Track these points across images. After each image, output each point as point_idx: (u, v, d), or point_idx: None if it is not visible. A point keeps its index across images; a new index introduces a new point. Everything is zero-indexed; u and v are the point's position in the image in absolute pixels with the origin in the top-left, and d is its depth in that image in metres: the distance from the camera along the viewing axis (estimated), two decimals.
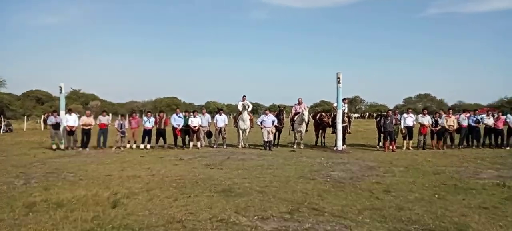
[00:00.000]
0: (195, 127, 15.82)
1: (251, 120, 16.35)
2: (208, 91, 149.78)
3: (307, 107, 16.65)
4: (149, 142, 15.61)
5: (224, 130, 16.29)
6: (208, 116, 16.96)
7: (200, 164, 10.98)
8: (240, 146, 15.88)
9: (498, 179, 8.45)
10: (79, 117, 17.05)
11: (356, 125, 36.30)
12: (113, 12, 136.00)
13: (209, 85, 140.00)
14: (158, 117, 16.25)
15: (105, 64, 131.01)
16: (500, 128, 15.90)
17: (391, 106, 73.15)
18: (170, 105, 71.98)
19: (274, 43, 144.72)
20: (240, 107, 16.73)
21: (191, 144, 15.83)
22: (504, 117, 16.34)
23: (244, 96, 16.86)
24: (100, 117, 16.22)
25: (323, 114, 17.20)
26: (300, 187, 7.51)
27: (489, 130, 16.04)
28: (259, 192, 7.10)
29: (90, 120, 15.88)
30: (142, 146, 15.42)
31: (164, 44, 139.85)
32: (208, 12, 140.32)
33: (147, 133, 15.69)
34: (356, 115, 76.94)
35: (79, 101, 73.22)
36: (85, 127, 15.40)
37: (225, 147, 15.79)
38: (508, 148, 15.26)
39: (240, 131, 16.08)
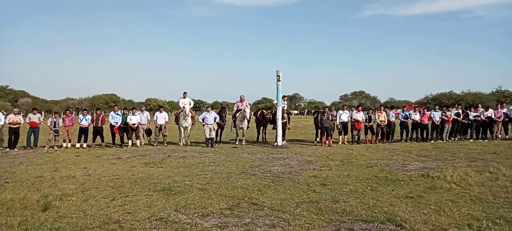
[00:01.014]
0: (134, 124, 15.36)
1: (192, 117, 16.20)
2: (149, 88, 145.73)
3: (249, 104, 16.82)
4: (85, 141, 14.91)
5: (165, 127, 15.98)
6: (147, 113, 16.53)
7: (139, 162, 10.71)
8: (181, 144, 15.68)
9: (423, 170, 9.13)
10: (6, 115, 15.81)
11: (295, 121, 37.37)
12: (48, 2, 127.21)
13: (150, 82, 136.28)
14: (95, 115, 15.57)
15: (37, 59, 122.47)
16: (425, 122, 17.20)
17: (328, 103, 76.04)
18: (108, 103, 69.15)
19: (216, 40, 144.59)
20: (181, 105, 16.52)
21: (130, 142, 15.36)
22: (429, 112, 17.69)
23: (185, 93, 16.68)
24: (30, 115, 15.18)
25: (265, 111, 17.49)
26: (241, 183, 7.61)
27: (415, 125, 17.28)
28: (200, 189, 7.10)
29: (19, 118, 14.78)
30: (78, 145, 14.71)
31: (102, 39, 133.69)
32: (147, 7, 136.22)
33: (83, 131, 14.97)
34: (295, 112, 79.14)
35: (7, 98, 67.99)
36: (13, 126, 14.32)
37: (165, 145, 15.50)
38: (432, 141, 16.55)
39: (181, 129, 15.86)
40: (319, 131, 16.11)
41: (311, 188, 7.19)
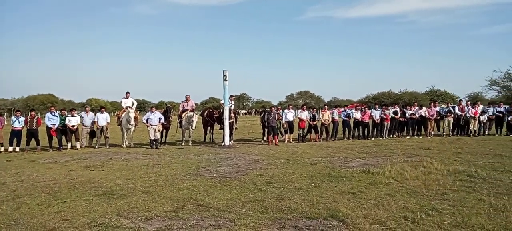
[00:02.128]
0: (73, 126, 14.58)
1: (136, 118, 15.68)
2: (90, 88, 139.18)
3: (194, 106, 16.57)
4: (18, 144, 13.90)
5: (107, 129, 15.31)
6: (91, 114, 15.73)
7: (79, 166, 10.18)
8: (124, 146, 15.12)
9: (364, 166, 9.53)
10: None
11: (243, 120, 37.46)
12: None
13: (91, 82, 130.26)
14: (29, 116, 14.56)
15: None
16: (366, 121, 17.97)
17: (275, 103, 77.17)
18: (45, 103, 65.12)
19: (161, 38, 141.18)
20: (123, 105, 15.95)
21: (69, 145, 14.56)
22: (370, 111, 18.51)
23: (128, 93, 16.14)
24: None
25: (213, 110, 17.34)
26: (187, 184, 7.48)
27: (357, 123, 18.00)
28: (144, 192, 6.88)
29: None
30: (10, 148, 13.69)
31: (38, 35, 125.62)
32: (88, 2, 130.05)
33: (15, 134, 13.93)
34: (243, 111, 79.46)
35: None
36: None
37: (107, 147, 14.87)
38: (373, 139, 17.34)
39: (124, 130, 15.30)
40: (266, 130, 16.28)
41: (258, 187, 7.23)
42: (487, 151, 12.31)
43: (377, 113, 18.05)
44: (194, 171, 9.15)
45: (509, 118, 19.03)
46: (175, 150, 13.82)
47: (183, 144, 15.67)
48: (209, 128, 17.22)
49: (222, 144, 15.15)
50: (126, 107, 15.51)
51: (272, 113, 15.93)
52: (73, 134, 14.70)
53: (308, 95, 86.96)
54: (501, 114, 19.30)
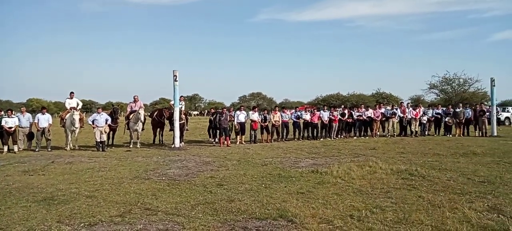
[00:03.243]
0: (10, 128, 13.65)
1: (81, 119, 14.97)
2: (31, 88, 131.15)
3: (143, 107, 16.12)
4: None
5: (48, 130, 14.47)
6: (28, 115, 14.81)
7: (16, 170, 9.54)
8: (68, 148, 14.39)
9: (313, 166, 9.73)
10: None
11: (195, 122, 37.06)
12: None
13: (32, 81, 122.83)
14: None
15: None
16: (316, 122, 18.43)
17: (228, 104, 77.08)
18: None
19: (109, 37, 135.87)
20: (67, 105, 15.19)
21: (6, 148, 13.61)
22: (319, 112, 18.98)
23: (72, 93, 15.41)
24: None
25: (165, 110, 16.94)
26: (134, 188, 7.24)
27: (307, 124, 18.40)
28: (88, 196, 6.57)
29: None
30: None
31: None
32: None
33: None
34: (195, 112, 78.58)
35: None
36: None
37: (49, 150, 14.06)
38: (321, 139, 17.79)
39: (68, 131, 14.55)
40: (218, 131, 16.19)
41: (208, 189, 7.15)
42: (426, 151, 13.03)
43: (325, 115, 18.58)
44: (142, 174, 8.88)
45: (446, 119, 20.31)
46: (123, 153, 13.35)
47: (131, 146, 15.19)
48: (159, 129, 16.83)
49: (172, 146, 14.86)
50: (70, 108, 14.78)
51: (224, 115, 15.87)
52: (10, 137, 13.77)
53: (260, 97, 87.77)
54: (439, 116, 20.56)
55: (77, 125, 14.44)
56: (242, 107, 18.46)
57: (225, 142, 15.63)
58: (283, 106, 19.72)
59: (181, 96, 15.80)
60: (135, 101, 15.99)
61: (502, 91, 69.81)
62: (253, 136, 16.85)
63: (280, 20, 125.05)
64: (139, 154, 12.94)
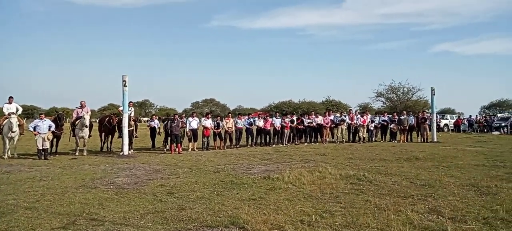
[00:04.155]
0: None
1: (20, 125, 14.04)
2: None
3: (89, 112, 15.47)
4: None
5: None
6: None
7: None
8: (5, 156, 13.42)
9: (265, 172, 9.80)
10: None
11: (145, 128, 36.03)
12: None
13: None
14: None
15: None
16: (268, 128, 18.62)
17: (180, 110, 75.90)
18: None
19: (54, 39, 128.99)
20: (5, 111, 14.21)
21: None
22: (271, 119, 19.21)
23: (11, 97, 14.45)
24: None
25: (112, 116, 16.34)
26: (79, 198, 6.89)
27: (259, 130, 18.53)
28: (27, 208, 6.16)
29: None
30: None
31: None
32: None
33: None
34: (146, 119, 76.48)
35: None
36: None
37: None
38: (274, 146, 17.99)
39: (6, 139, 13.59)
40: (169, 138, 15.87)
41: (158, 197, 6.97)
42: (373, 156, 13.57)
43: (278, 122, 18.83)
44: (88, 182, 8.49)
45: (392, 126, 21.31)
46: (68, 160, 12.69)
47: (76, 153, 14.48)
48: (107, 136, 16.20)
49: (121, 153, 14.36)
50: (9, 114, 13.83)
51: (175, 121, 15.60)
52: None
53: (213, 103, 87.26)
54: (385, 123, 21.55)
55: (15, 129, 13.46)
56: (195, 114, 18.24)
57: (177, 149, 15.36)
58: (238, 113, 19.76)
59: (130, 102, 15.35)
60: (81, 106, 15.29)
61: (441, 100, 74.37)
62: (205, 142, 16.70)
63: (234, 27, 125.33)
64: (85, 161, 12.37)
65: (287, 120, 19.11)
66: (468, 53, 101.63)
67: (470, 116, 38.30)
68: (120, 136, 15.00)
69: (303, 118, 20.22)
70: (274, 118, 19.40)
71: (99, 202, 6.56)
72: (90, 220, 5.46)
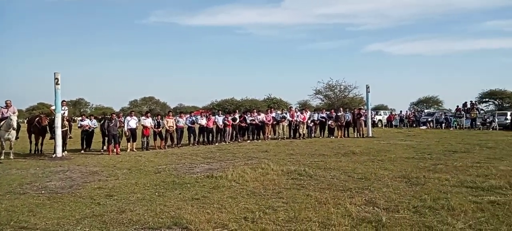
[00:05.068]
0: None
1: None
2: None
3: (16, 113, 14.35)
4: None
5: None
6: None
7: None
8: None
9: (208, 171, 9.71)
10: None
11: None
12: None
13: None
14: None
15: None
16: (211, 127, 18.51)
17: (118, 109, 72.93)
18: None
19: None
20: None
21: None
22: (214, 117, 19.11)
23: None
24: None
25: (42, 116, 15.27)
26: (6, 205, 6.36)
27: (202, 129, 18.35)
28: None
29: None
30: None
31: None
32: None
33: None
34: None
35: None
36: None
37: None
38: (216, 144, 17.91)
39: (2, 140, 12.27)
40: (106, 138, 15.21)
41: (95, 201, 6.64)
42: (313, 152, 14.01)
43: (220, 120, 18.78)
44: (17, 188, 7.87)
45: (329, 122, 22.14)
46: None
47: (2, 157, 13.36)
48: (39, 137, 15.13)
49: (53, 155, 13.50)
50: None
51: (113, 121, 14.98)
52: None
53: (153, 101, 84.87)
54: (323, 119, 22.32)
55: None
56: (133, 113, 17.62)
57: (115, 150, 14.75)
58: (181, 112, 19.41)
59: (63, 101, 14.48)
60: (7, 106, 14.13)
61: (375, 97, 78.71)
62: (145, 142, 16.21)
63: (172, 23, 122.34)
64: (12, 165, 11.45)
65: (229, 118, 19.13)
66: (398, 53, 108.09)
67: (401, 112, 40.88)
68: (53, 137, 14.10)
69: (245, 116, 20.34)
70: (216, 116, 19.34)
71: (29, 209, 6.11)
72: (18, 229, 5.08)
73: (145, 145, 16.16)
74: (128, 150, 15.49)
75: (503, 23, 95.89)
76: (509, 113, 30.21)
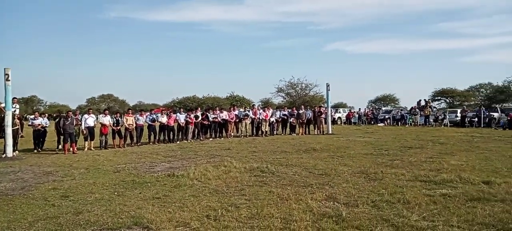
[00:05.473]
0: None
1: None
2: None
3: None
4: None
5: None
6: None
7: None
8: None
9: (169, 170, 9.55)
10: None
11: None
12: None
13: None
14: None
15: None
16: (172, 124, 18.22)
17: (74, 107, 70.20)
18: None
19: None
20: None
21: None
22: (175, 115, 18.83)
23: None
24: None
25: None
26: None
27: (162, 127, 18.03)
28: None
29: None
30: None
31: None
32: None
33: None
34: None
35: None
36: None
37: None
38: (178, 142, 17.66)
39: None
40: (62, 137, 14.60)
41: (50, 202, 6.35)
42: (275, 149, 14.13)
43: (182, 117, 18.54)
44: None
45: (291, 120, 22.43)
46: None
47: None
48: None
49: (3, 155, 12.78)
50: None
51: (69, 119, 14.40)
52: None
53: (112, 99, 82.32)
54: (285, 117, 22.57)
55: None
56: (91, 110, 17.02)
57: (71, 149, 14.19)
58: (141, 109, 18.94)
59: (14, 98, 13.75)
60: None
61: (335, 95, 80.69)
62: (103, 141, 15.71)
63: (131, 18, 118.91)
64: None
65: (191, 116, 18.91)
66: (357, 52, 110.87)
67: (359, 109, 42.08)
68: (2, 137, 13.35)
69: (208, 113, 20.19)
70: (178, 114, 19.05)
71: None
72: None
73: (103, 144, 15.67)
74: (86, 149, 14.96)
75: (455, 25, 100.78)
76: (459, 111, 31.99)
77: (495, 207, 5.50)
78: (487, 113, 29.35)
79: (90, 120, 15.51)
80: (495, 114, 29.08)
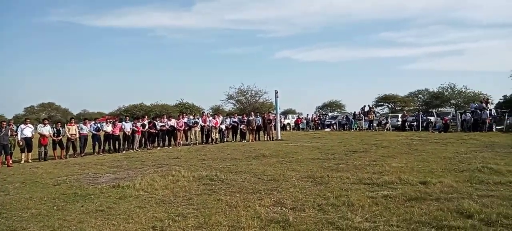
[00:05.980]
0: None
1: None
2: None
3: None
4: None
5: None
6: None
7: None
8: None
9: (114, 181, 9.20)
10: None
11: None
12: None
13: None
14: None
15: None
16: (117, 134, 17.59)
17: (10, 116, 65.64)
18: None
19: None
20: None
21: None
22: (121, 124, 18.19)
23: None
24: None
25: None
26: None
27: (107, 136, 17.35)
28: None
29: None
30: None
31: None
32: None
33: None
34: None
35: None
36: None
37: None
38: (124, 152, 17.08)
39: None
40: None
41: None
42: (225, 156, 14.08)
43: (128, 126, 17.96)
44: None
45: (241, 127, 22.51)
46: None
47: None
48: None
49: None
50: None
51: (3, 129, 13.44)
52: None
53: (53, 108, 77.99)
54: (236, 124, 22.61)
55: None
56: (28, 120, 16.01)
57: (5, 162, 13.24)
58: (84, 118, 18.07)
59: None
60: None
61: (284, 102, 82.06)
62: (42, 152, 14.83)
63: (76, 23, 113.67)
64: None
65: (138, 124, 18.38)
66: (305, 60, 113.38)
67: (307, 115, 43.12)
68: None
69: (155, 121, 19.72)
70: (123, 122, 18.43)
71: None
72: None
73: (43, 155, 14.78)
74: (22, 161, 14.03)
75: (396, 35, 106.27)
76: (400, 115, 33.80)
77: (430, 206, 5.85)
78: (425, 117, 31.29)
79: (27, 130, 14.60)
80: (432, 119, 31.07)
